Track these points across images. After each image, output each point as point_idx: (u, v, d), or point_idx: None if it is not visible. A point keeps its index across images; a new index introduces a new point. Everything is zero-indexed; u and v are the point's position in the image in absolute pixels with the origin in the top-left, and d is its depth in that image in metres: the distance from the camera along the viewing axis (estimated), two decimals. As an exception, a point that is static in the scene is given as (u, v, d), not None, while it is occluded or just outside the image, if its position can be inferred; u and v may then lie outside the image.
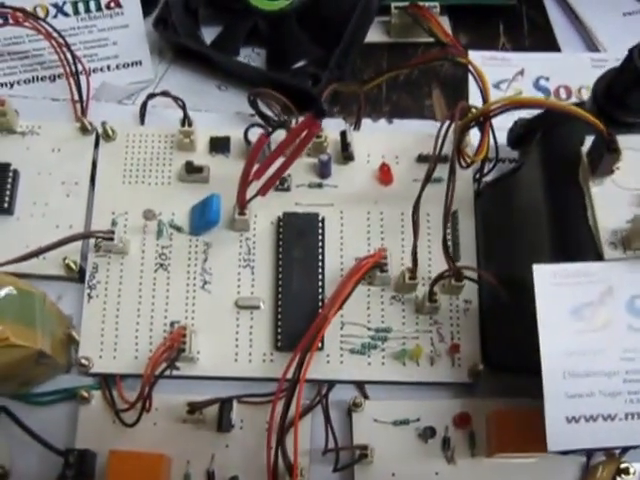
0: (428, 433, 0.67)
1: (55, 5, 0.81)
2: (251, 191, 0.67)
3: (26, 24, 0.76)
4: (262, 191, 0.65)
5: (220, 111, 0.80)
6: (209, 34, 0.84)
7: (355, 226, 0.73)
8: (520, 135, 0.71)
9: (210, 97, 0.81)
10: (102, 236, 0.69)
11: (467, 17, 0.86)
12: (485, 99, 0.70)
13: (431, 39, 0.82)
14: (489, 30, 0.86)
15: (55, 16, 0.81)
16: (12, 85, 0.81)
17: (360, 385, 0.70)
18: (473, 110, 0.68)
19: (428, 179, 0.65)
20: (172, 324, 0.70)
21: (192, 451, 0.67)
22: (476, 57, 0.75)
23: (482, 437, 0.67)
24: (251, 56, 0.83)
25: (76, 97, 0.77)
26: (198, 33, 0.82)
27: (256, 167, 0.64)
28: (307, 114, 0.58)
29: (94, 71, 0.80)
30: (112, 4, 0.81)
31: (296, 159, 0.63)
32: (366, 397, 0.69)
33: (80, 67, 0.77)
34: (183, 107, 0.72)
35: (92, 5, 0.82)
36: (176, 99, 0.73)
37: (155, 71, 0.82)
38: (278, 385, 0.63)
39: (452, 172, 0.65)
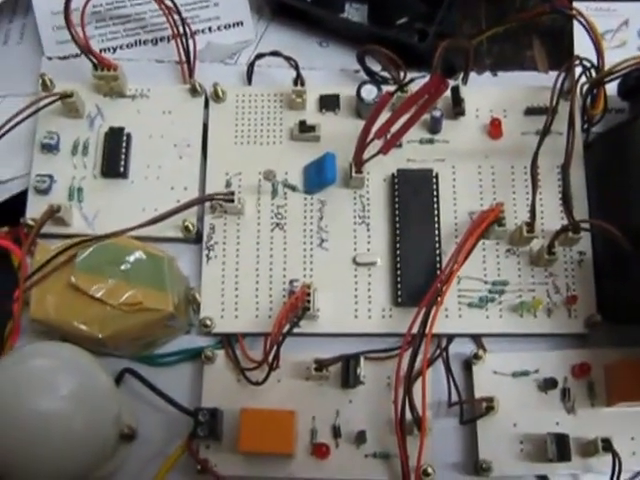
0: (548, 384, 0.67)
1: None
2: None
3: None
4: (384, 149, 0.65)
5: (324, 68, 0.80)
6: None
7: (467, 181, 0.74)
8: (633, 86, 0.71)
9: (312, 54, 0.81)
10: (223, 198, 0.69)
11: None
12: (599, 52, 0.70)
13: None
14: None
15: (156, -22, 0.81)
16: (115, 49, 0.81)
17: (478, 338, 0.70)
18: (585, 63, 0.68)
19: (546, 133, 0.66)
20: (291, 282, 0.71)
21: (316, 407, 0.69)
22: (581, 8, 0.74)
23: (601, 387, 0.68)
24: (350, 12, 0.82)
25: (183, 59, 0.77)
26: (298, -10, 0.81)
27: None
28: (435, 73, 0.58)
29: (195, 33, 0.79)
30: (212, -36, 0.81)
31: (421, 118, 0.63)
32: (484, 350, 0.69)
33: (190, 33, 0.77)
34: (296, 67, 0.73)
35: (192, -33, 0.81)
36: (288, 59, 0.73)
37: (255, 30, 0.81)
38: (404, 339, 0.64)
39: (572, 126, 0.66)
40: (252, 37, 0.81)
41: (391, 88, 0.72)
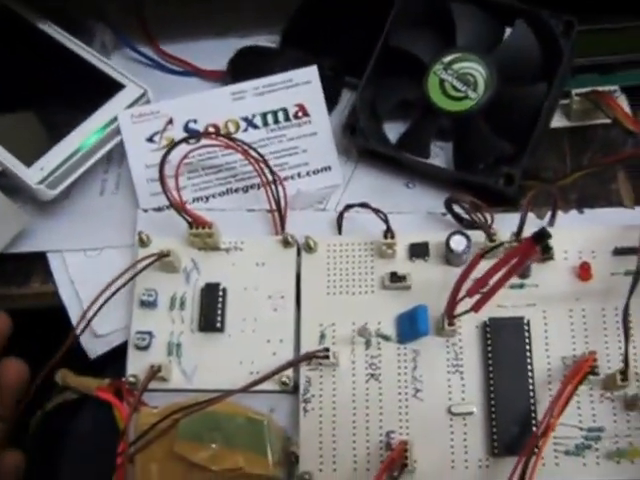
0: (648, 533, 0.67)
1: (245, 119, 0.84)
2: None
3: (219, 142, 0.79)
4: (475, 308, 0.66)
5: (411, 212, 0.81)
6: (389, 128, 0.86)
7: (558, 325, 0.74)
8: None
9: (399, 196, 0.83)
10: (320, 355, 0.71)
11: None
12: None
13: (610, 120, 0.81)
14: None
15: (245, 129, 0.84)
16: (207, 199, 0.83)
17: (576, 486, 0.70)
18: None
19: (635, 283, 0.67)
20: (388, 434, 0.71)
21: None
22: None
23: None
24: (434, 151, 0.83)
25: (274, 207, 0.79)
26: (384, 135, 0.83)
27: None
28: (527, 238, 0.59)
29: (285, 179, 0.81)
30: (300, 113, 0.84)
31: (510, 279, 0.64)
32: (583, 497, 0.69)
33: (279, 180, 0.79)
34: (386, 220, 0.74)
35: (280, 116, 0.84)
36: (377, 211, 0.74)
37: (342, 173, 0.83)
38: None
39: None
40: (340, 181, 0.82)
41: (479, 235, 0.73)
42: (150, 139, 0.84)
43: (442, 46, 0.82)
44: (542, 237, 0.59)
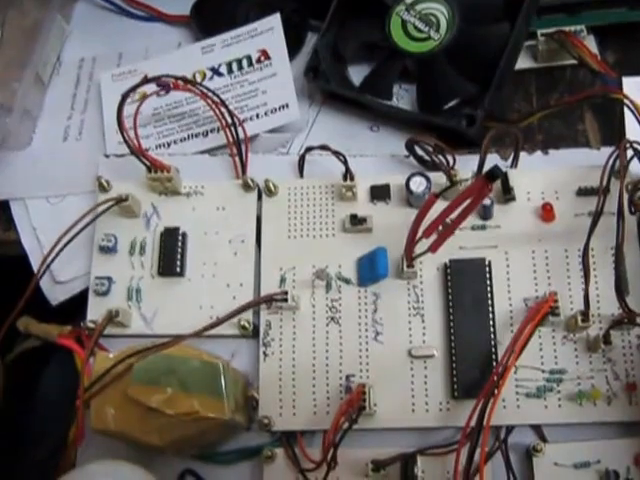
0: (611, 476, 0.66)
1: (212, 69, 0.85)
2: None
3: (185, 89, 0.78)
4: (433, 249, 0.66)
5: (375, 154, 0.80)
6: (354, 72, 0.85)
7: (521, 266, 0.73)
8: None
9: (363, 139, 0.82)
10: (277, 299, 0.70)
11: (614, 34, 0.83)
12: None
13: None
14: (638, 46, 0.84)
15: (211, 78, 0.84)
16: (169, 145, 0.83)
17: (538, 428, 0.69)
18: (636, 146, 0.68)
19: (597, 218, 0.67)
20: (347, 377, 0.71)
21: (376, 505, 0.68)
22: (631, 84, 0.73)
23: (665, 476, 0.67)
24: (399, 93, 0.83)
25: (235, 152, 0.79)
26: (347, 77, 0.83)
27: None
28: (479, 177, 0.59)
29: (244, 121, 0.81)
30: (262, 58, 0.83)
31: (466, 218, 0.63)
32: (544, 440, 0.69)
33: (237, 122, 0.79)
34: (345, 162, 0.73)
35: (244, 63, 0.84)
36: (337, 154, 0.73)
37: (307, 116, 0.83)
38: (462, 433, 0.64)
39: (621, 211, 0.67)
40: (298, 116, 0.82)
41: (440, 177, 0.73)
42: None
43: (405, -13, 0.80)
44: (494, 175, 0.58)
